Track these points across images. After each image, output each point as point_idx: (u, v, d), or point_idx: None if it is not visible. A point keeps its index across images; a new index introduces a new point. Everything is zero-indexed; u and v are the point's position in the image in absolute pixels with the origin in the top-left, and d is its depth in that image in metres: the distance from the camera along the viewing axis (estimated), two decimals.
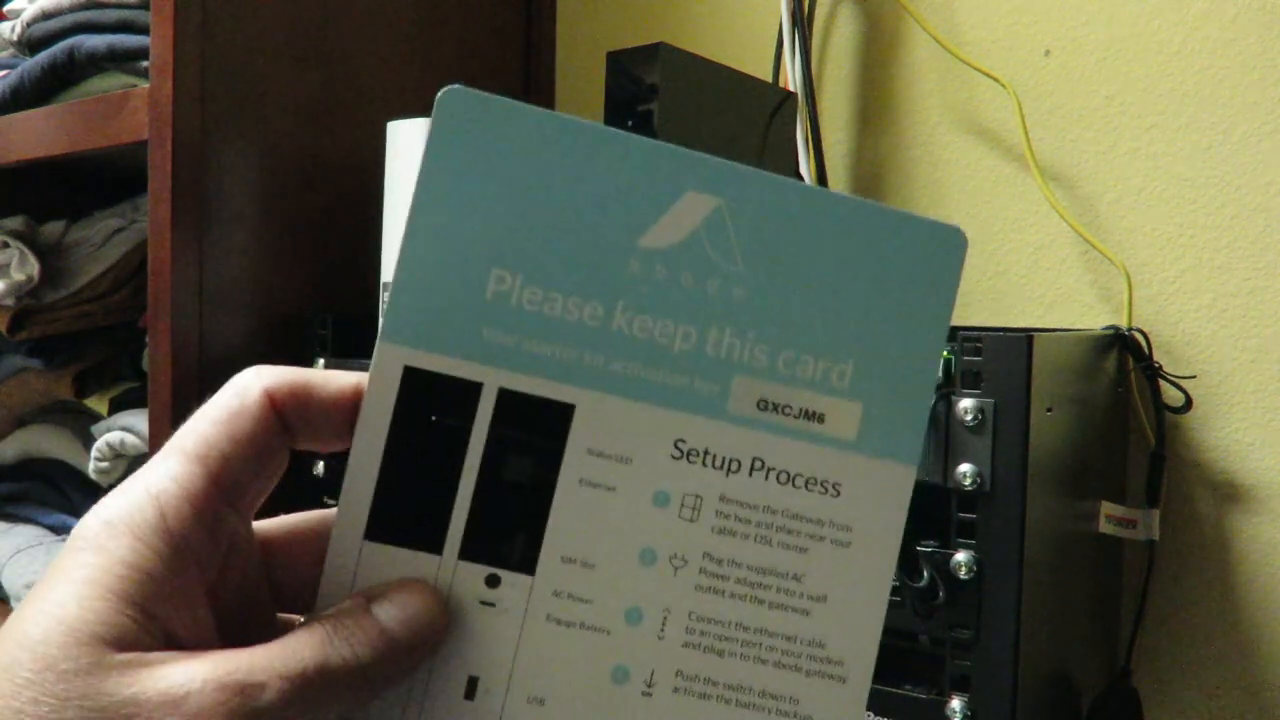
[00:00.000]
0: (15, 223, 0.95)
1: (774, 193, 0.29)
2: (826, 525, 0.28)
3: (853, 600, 0.28)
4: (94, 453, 0.88)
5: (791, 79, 0.85)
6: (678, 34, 0.98)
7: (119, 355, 0.99)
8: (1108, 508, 0.64)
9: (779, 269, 0.28)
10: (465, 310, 0.27)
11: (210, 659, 0.23)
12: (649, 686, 0.28)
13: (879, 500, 0.28)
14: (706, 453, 0.28)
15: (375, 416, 0.27)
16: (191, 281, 0.73)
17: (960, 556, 0.48)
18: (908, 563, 0.48)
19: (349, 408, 0.28)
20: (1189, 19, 0.73)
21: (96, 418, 0.96)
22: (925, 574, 0.48)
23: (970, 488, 0.47)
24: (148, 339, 0.74)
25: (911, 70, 0.86)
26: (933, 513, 0.49)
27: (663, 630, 0.28)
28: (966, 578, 0.48)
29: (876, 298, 0.28)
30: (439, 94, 0.28)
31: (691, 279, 0.28)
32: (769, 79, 0.86)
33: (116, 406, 0.96)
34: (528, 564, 0.28)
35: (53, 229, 0.97)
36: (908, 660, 0.51)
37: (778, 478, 0.28)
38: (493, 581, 0.27)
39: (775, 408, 0.28)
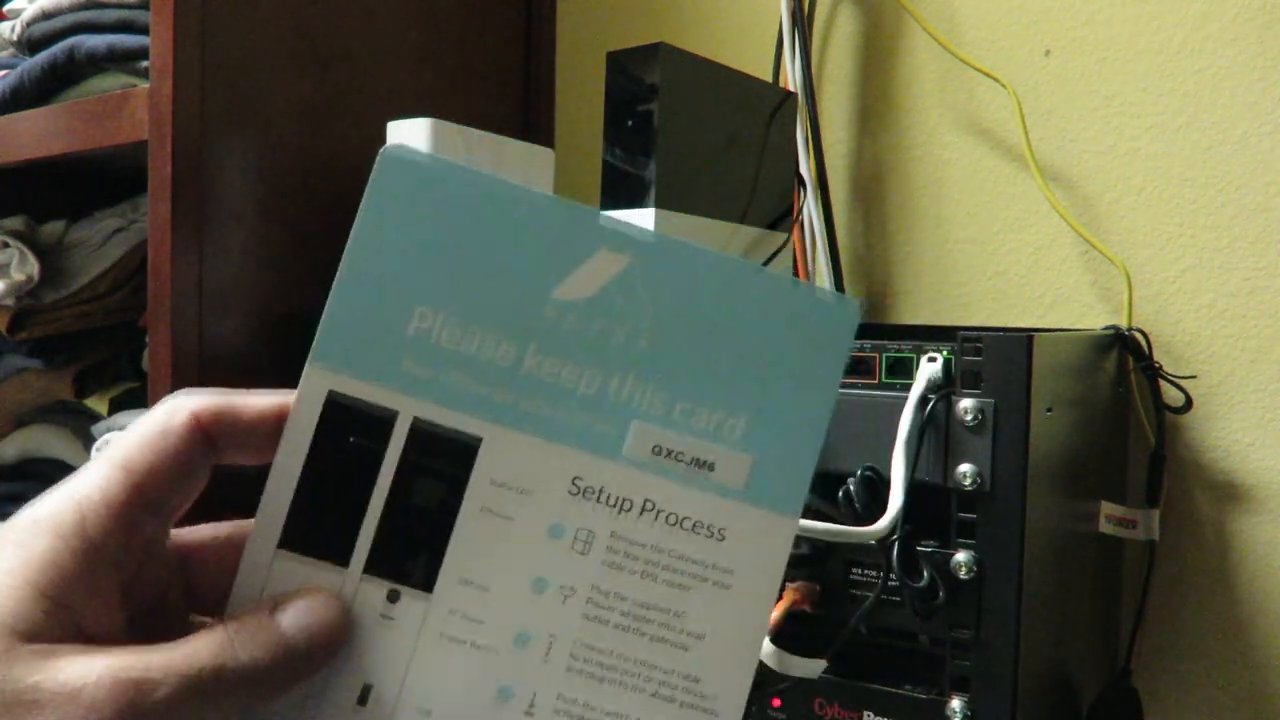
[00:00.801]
0: (15, 223, 0.95)
1: (681, 256, 0.30)
2: (709, 568, 0.30)
3: (729, 640, 0.30)
4: (94, 453, 0.88)
5: (791, 79, 0.85)
6: (678, 34, 0.98)
7: (119, 355, 0.99)
8: (1108, 508, 0.64)
9: (682, 326, 0.30)
10: (388, 342, 0.30)
11: (112, 654, 0.25)
12: (531, 708, 0.29)
13: (760, 547, 0.30)
14: (601, 491, 0.30)
15: (297, 435, 0.30)
16: (191, 281, 0.73)
17: (960, 556, 0.48)
18: (908, 563, 0.48)
19: (272, 426, 0.30)
20: (1189, 19, 0.73)
21: (96, 418, 0.96)
22: (925, 574, 0.48)
23: (970, 488, 0.47)
24: (148, 339, 0.74)
25: (911, 70, 0.86)
26: (933, 513, 0.49)
27: (548, 655, 0.30)
28: (966, 578, 0.48)
29: (773, 360, 0.30)
30: (380, 151, 0.31)
31: (600, 329, 0.30)
32: (769, 79, 0.86)
33: (116, 406, 0.96)
34: (427, 583, 0.30)
35: (53, 229, 0.97)
36: (908, 660, 0.51)
37: (666, 519, 0.30)
38: (393, 597, 0.29)
39: (669, 454, 0.30)
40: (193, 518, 0.33)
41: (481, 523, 0.30)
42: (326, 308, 0.30)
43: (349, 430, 0.30)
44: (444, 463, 0.30)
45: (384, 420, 0.30)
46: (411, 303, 0.30)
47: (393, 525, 0.30)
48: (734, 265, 0.31)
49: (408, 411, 0.30)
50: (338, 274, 0.31)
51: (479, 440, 0.30)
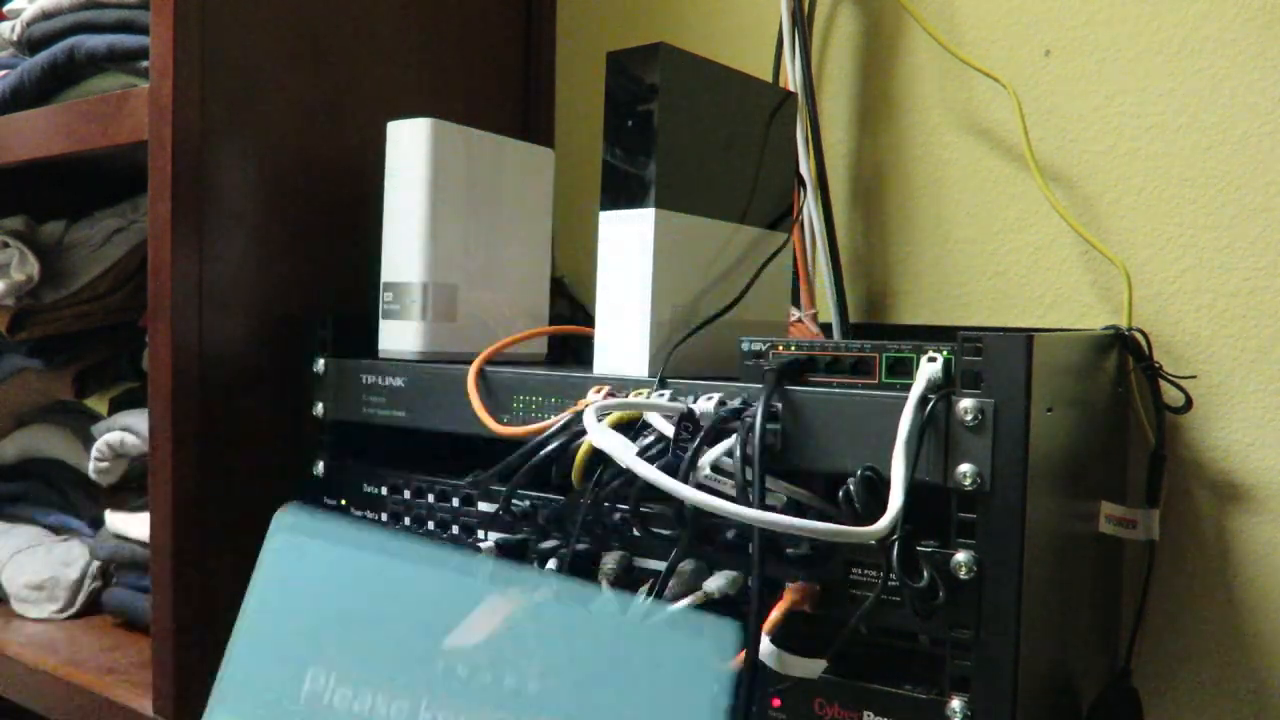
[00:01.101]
0: (15, 223, 0.95)
1: (567, 601, 0.32)
2: None
3: None
4: (94, 453, 0.88)
5: (791, 79, 0.85)
6: (678, 34, 0.98)
7: (119, 355, 0.99)
8: (1108, 508, 0.64)
9: (571, 666, 0.31)
10: (284, 704, 0.31)
11: None
12: None
13: None
14: None
15: None
16: (191, 281, 0.73)
17: (960, 556, 0.48)
18: (908, 563, 0.48)
19: None
20: (1189, 19, 0.73)
21: (96, 418, 0.96)
22: (925, 574, 0.48)
23: (970, 488, 0.47)
24: (148, 339, 0.74)
25: (911, 70, 0.86)
26: (933, 513, 0.49)
27: None
28: (966, 578, 0.48)
29: (658, 690, 0.31)
30: (276, 513, 0.32)
31: (490, 675, 0.31)
32: (769, 79, 0.86)
33: (116, 406, 0.96)
34: None
35: (53, 229, 0.97)
36: (908, 660, 0.51)
37: None
38: None
39: None
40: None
41: None
42: (224, 663, 0.31)
43: None
44: None
45: None
46: (304, 664, 0.31)
47: None
48: (615, 605, 0.31)
49: None
50: (235, 627, 0.32)
51: None
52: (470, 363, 0.66)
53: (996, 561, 0.47)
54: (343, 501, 0.74)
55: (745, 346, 0.56)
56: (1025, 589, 0.47)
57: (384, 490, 0.72)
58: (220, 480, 0.75)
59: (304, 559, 0.31)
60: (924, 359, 0.50)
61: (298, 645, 0.31)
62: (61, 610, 0.92)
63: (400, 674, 0.30)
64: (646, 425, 0.55)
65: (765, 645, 0.50)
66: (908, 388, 0.49)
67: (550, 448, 0.58)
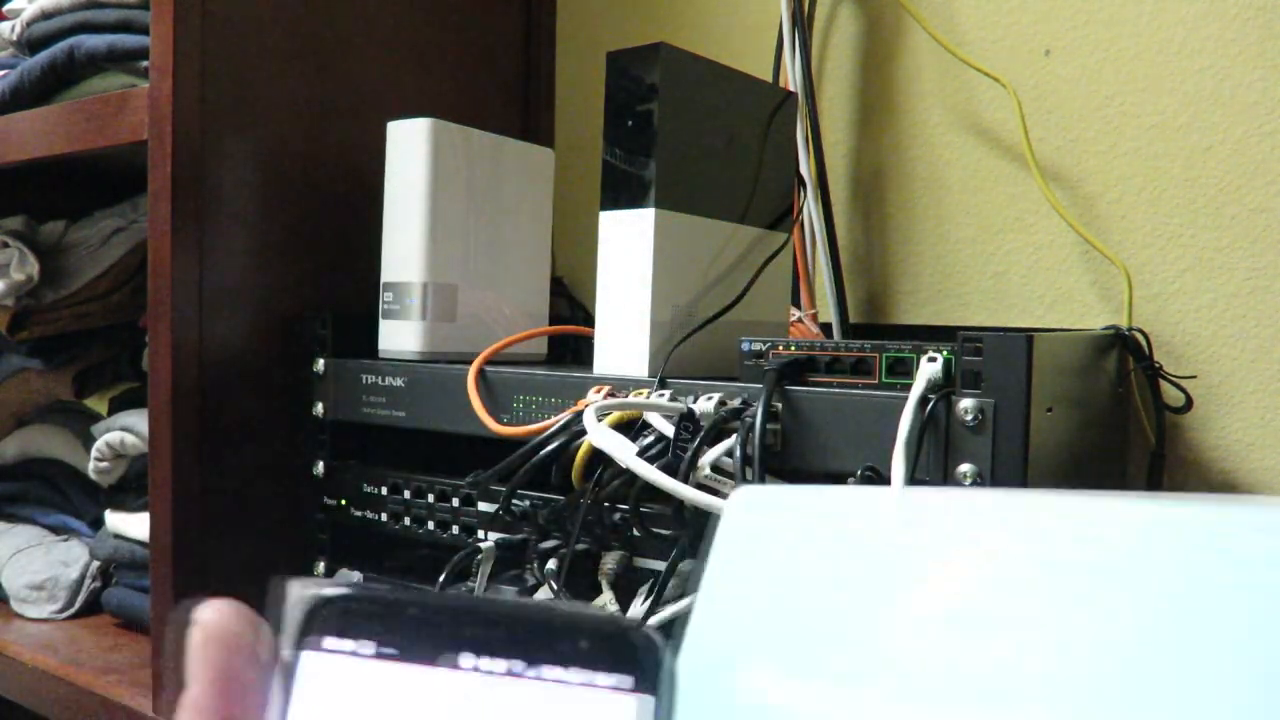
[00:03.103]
0: (15, 223, 0.95)
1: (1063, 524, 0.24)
2: None
3: None
4: (94, 453, 0.88)
5: (791, 79, 0.85)
6: (678, 34, 0.98)
7: (119, 355, 0.99)
8: None
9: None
10: (720, 712, 0.25)
11: None
12: None
13: None
14: None
15: None
16: (191, 281, 0.73)
17: None
18: None
19: None
20: (1189, 19, 0.73)
21: (96, 418, 0.96)
22: None
23: (970, 488, 0.47)
24: (148, 339, 0.74)
25: (911, 70, 0.86)
26: None
27: None
28: None
29: None
30: (733, 494, 0.27)
31: (970, 648, 0.23)
32: (769, 79, 0.86)
33: (116, 406, 0.96)
34: None
35: (52, 229, 0.97)
36: None
37: None
38: None
39: None
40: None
41: None
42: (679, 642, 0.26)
43: None
44: None
45: None
46: (757, 659, 0.25)
47: None
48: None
49: None
50: (689, 623, 0.27)
51: None
52: (470, 363, 0.66)
53: None
54: (343, 502, 0.74)
55: (745, 346, 0.56)
56: None
57: (384, 490, 0.72)
58: (220, 481, 0.75)
59: (760, 541, 0.27)
60: (924, 359, 0.50)
61: (752, 635, 0.26)
62: (61, 610, 0.92)
63: (865, 663, 0.24)
64: (646, 425, 0.55)
65: None
66: (908, 388, 0.49)
67: (550, 448, 0.58)
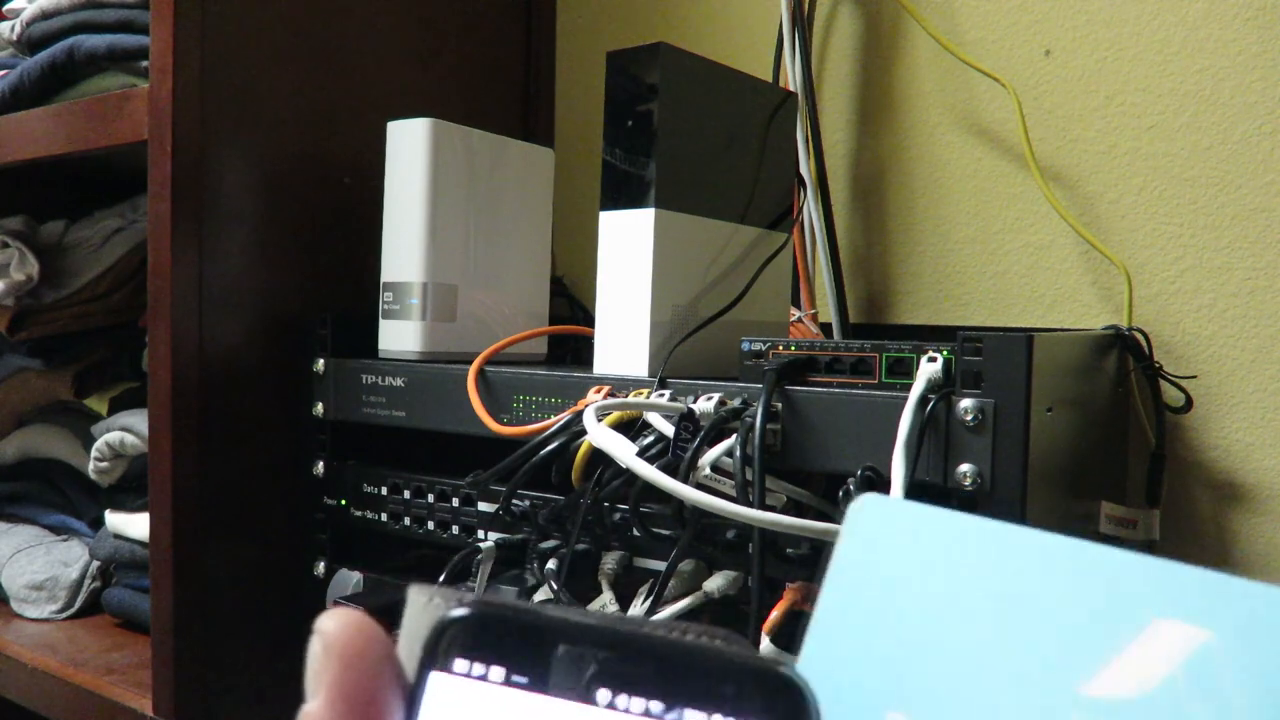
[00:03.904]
0: (15, 223, 0.95)
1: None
2: None
3: None
4: (94, 453, 0.88)
5: (791, 79, 0.85)
6: (678, 34, 0.98)
7: (119, 355, 0.99)
8: (1108, 508, 0.64)
9: None
10: None
11: None
12: None
13: None
14: None
15: None
16: (191, 281, 0.73)
17: None
18: None
19: None
20: (1189, 19, 0.73)
21: (96, 418, 0.96)
22: None
23: (970, 488, 0.47)
24: (148, 339, 0.74)
25: (911, 70, 0.86)
26: None
27: None
28: None
29: None
30: (856, 502, 0.25)
31: None
32: (769, 79, 0.86)
33: (116, 406, 0.96)
34: None
35: (52, 229, 0.97)
36: None
37: None
38: None
39: None
40: None
41: None
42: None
43: None
44: None
45: None
46: (882, 708, 0.23)
47: None
48: None
49: None
50: (801, 657, 0.24)
51: None
52: (470, 363, 0.66)
53: None
54: (343, 501, 0.74)
55: (745, 346, 0.56)
56: None
57: (384, 490, 0.72)
58: (220, 480, 0.75)
59: (889, 564, 0.24)
60: (924, 359, 0.50)
61: (876, 676, 0.23)
62: (61, 610, 0.92)
63: None
64: (646, 425, 0.55)
65: (765, 645, 0.50)
66: (908, 388, 0.49)
67: (550, 448, 0.58)
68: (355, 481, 0.74)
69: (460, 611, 0.22)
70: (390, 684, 0.22)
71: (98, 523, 0.94)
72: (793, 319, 0.80)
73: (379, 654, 0.22)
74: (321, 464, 0.76)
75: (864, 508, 0.25)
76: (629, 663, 0.21)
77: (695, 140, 0.64)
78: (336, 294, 0.81)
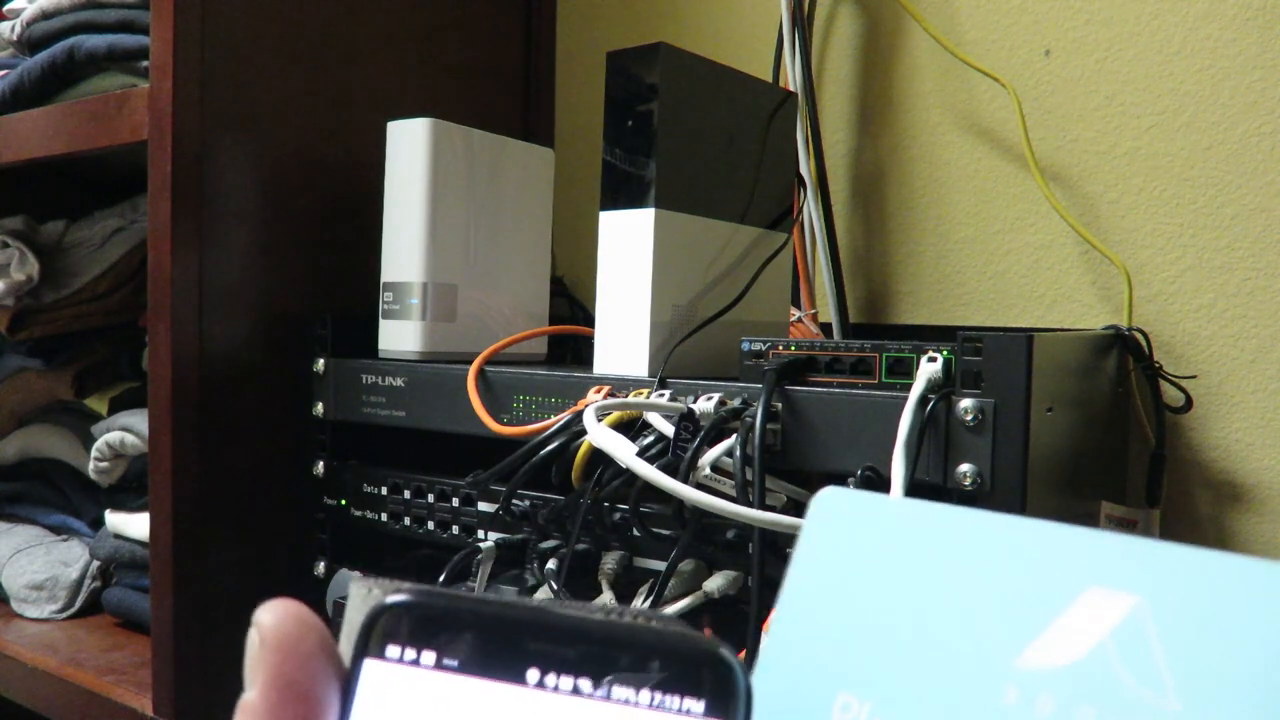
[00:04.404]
0: (15, 223, 0.95)
1: (1206, 578, 0.21)
2: None
3: None
4: (94, 452, 0.88)
5: (791, 79, 0.85)
6: (678, 34, 0.98)
7: (119, 355, 0.99)
8: (1108, 508, 0.64)
9: (1228, 694, 0.20)
10: None
11: None
12: None
13: None
14: None
15: None
16: (191, 281, 0.73)
17: None
18: None
19: None
20: (1189, 19, 0.73)
21: (96, 417, 0.96)
22: None
23: (970, 488, 0.47)
24: (148, 339, 0.74)
25: (911, 70, 0.86)
26: None
27: None
28: None
29: None
30: (817, 495, 0.25)
31: (1093, 713, 0.20)
32: (769, 79, 0.86)
33: (116, 406, 0.96)
34: None
35: (53, 229, 0.97)
36: None
37: None
38: None
39: None
40: None
41: None
42: (758, 659, 0.25)
43: None
44: None
45: None
46: (834, 687, 0.23)
47: None
48: None
49: None
50: (762, 645, 0.25)
51: None
52: (470, 363, 0.66)
53: None
54: (343, 501, 0.74)
55: (745, 346, 0.56)
56: None
57: (384, 490, 0.72)
58: (220, 480, 0.75)
59: (846, 551, 0.24)
60: (924, 359, 0.50)
61: (825, 663, 0.24)
62: (61, 610, 0.92)
63: (954, 708, 0.22)
64: (646, 425, 0.55)
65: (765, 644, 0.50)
66: (908, 388, 0.49)
67: (550, 448, 0.58)
68: (355, 481, 0.74)
69: (392, 599, 0.22)
70: (325, 672, 0.22)
71: (98, 523, 0.94)
72: (793, 319, 0.80)
73: (314, 643, 0.23)
74: (321, 464, 0.76)
75: (824, 499, 0.25)
76: (558, 643, 0.22)
77: (695, 140, 0.64)
78: (336, 294, 0.82)
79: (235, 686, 0.24)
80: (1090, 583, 0.22)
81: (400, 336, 0.72)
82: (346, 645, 0.23)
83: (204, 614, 0.74)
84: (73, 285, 0.95)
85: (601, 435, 0.53)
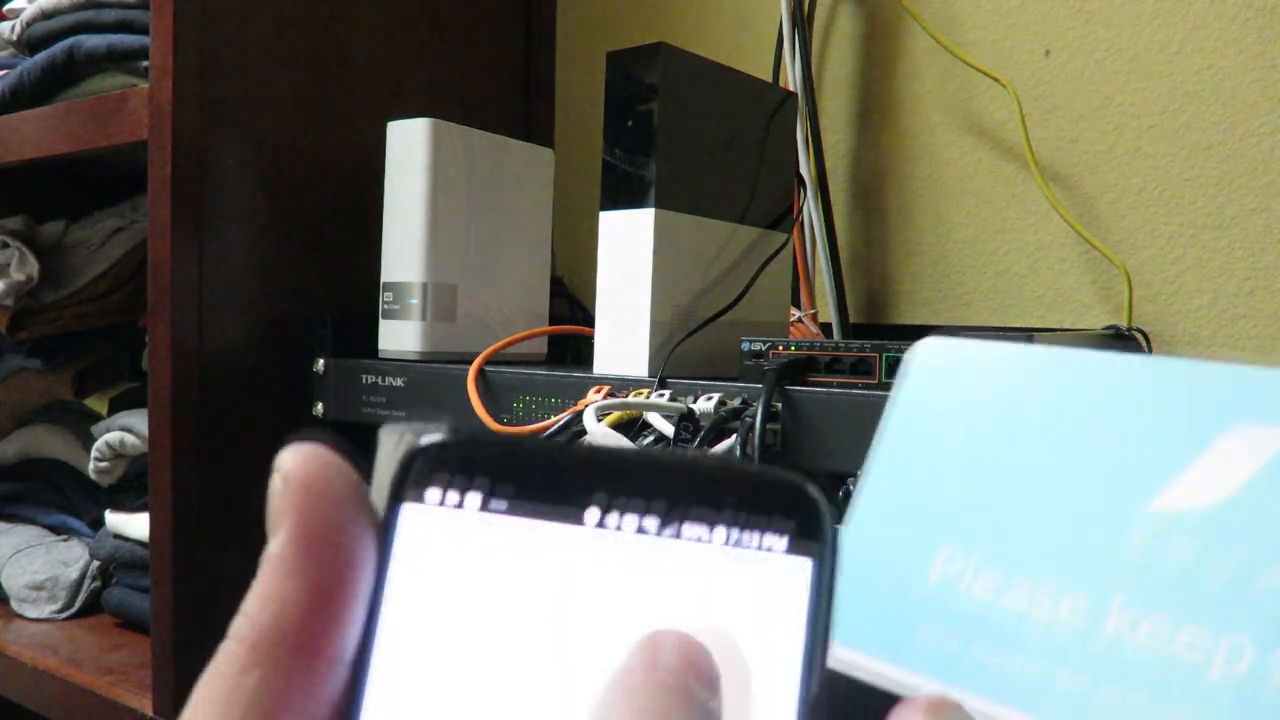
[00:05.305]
0: (15, 223, 0.95)
1: None
2: None
3: None
4: (94, 453, 0.88)
5: (791, 79, 0.85)
6: (678, 34, 0.98)
7: (119, 355, 0.99)
8: None
9: None
10: (903, 599, 0.21)
11: None
12: None
13: None
14: None
15: None
16: (191, 281, 0.73)
17: None
18: None
19: None
20: (1189, 19, 0.73)
21: (96, 418, 0.96)
22: None
23: None
24: (148, 339, 0.74)
25: (911, 70, 0.86)
26: None
27: None
28: None
29: None
30: (916, 345, 0.23)
31: (1235, 563, 0.19)
32: (769, 79, 0.86)
33: (116, 406, 0.96)
34: None
35: (53, 229, 0.97)
36: None
37: None
38: None
39: None
40: None
41: None
42: (850, 511, 0.23)
43: None
44: None
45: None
46: (937, 540, 0.21)
47: None
48: None
49: None
50: (854, 500, 0.23)
51: None
52: (470, 363, 0.66)
53: None
54: None
55: (745, 346, 0.56)
56: None
57: None
58: (220, 480, 0.75)
59: (949, 401, 0.22)
60: None
61: (931, 511, 0.22)
62: (61, 610, 0.92)
63: (1076, 555, 0.20)
64: (646, 425, 0.55)
65: None
66: None
67: None
68: None
69: (431, 439, 0.20)
70: (358, 518, 0.20)
71: (98, 523, 0.94)
72: (793, 319, 0.80)
73: (345, 487, 0.20)
74: None
75: (924, 349, 0.24)
76: (619, 480, 0.19)
77: (695, 140, 0.64)
78: (336, 294, 0.82)
79: None
80: (1235, 419, 0.19)
81: (400, 336, 0.72)
82: (378, 496, 0.21)
83: (204, 614, 0.74)
84: (73, 285, 0.95)
85: (601, 435, 0.53)
